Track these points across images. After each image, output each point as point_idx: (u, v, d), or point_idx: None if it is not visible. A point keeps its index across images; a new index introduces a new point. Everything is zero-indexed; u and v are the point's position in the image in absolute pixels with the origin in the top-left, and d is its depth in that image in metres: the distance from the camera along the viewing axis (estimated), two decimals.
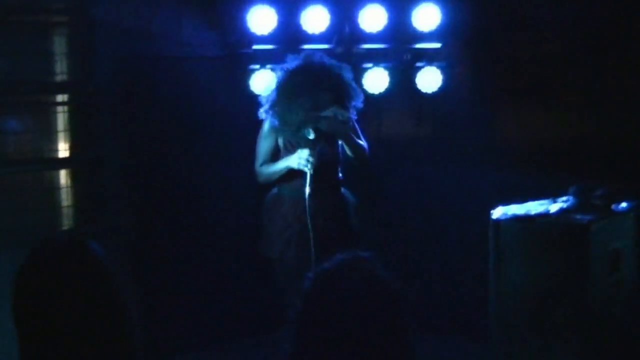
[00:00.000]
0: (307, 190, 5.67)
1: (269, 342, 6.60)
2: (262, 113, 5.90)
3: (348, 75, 5.86)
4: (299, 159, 5.69)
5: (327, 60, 5.89)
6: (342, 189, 6.02)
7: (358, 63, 6.88)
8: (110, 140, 6.53)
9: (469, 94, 7.22)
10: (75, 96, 6.49)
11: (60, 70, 6.39)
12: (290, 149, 5.85)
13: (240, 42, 6.79)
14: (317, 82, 5.74)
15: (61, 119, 6.46)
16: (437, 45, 6.95)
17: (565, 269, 5.41)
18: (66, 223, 6.55)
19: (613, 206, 5.77)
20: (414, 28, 6.90)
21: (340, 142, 5.89)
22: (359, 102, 5.89)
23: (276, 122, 5.82)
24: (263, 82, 6.76)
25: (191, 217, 6.89)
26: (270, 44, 6.80)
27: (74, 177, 6.49)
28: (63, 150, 6.48)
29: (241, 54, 6.80)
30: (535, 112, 7.13)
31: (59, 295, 2.36)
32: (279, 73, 5.91)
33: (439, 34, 6.94)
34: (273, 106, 5.81)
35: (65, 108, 6.48)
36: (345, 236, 5.86)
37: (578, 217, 5.55)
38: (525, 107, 7.21)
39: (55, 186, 6.50)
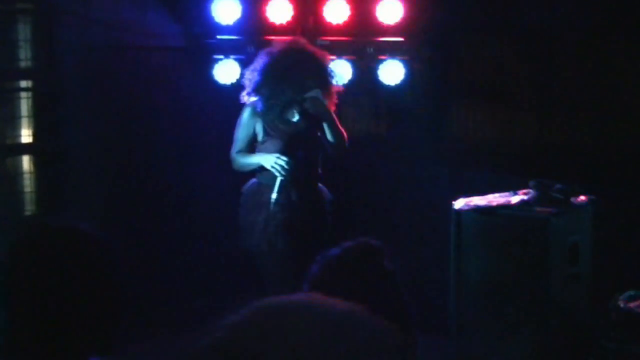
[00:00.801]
0: (274, 196, 5.68)
1: None
2: (244, 96, 5.90)
3: (329, 63, 5.94)
4: (274, 164, 5.68)
5: (312, 46, 5.98)
6: (319, 184, 6.02)
7: None
8: (75, 129, 6.53)
9: (428, 89, 7.30)
10: (39, 83, 6.48)
11: (25, 56, 6.39)
12: (270, 136, 5.82)
13: (205, 32, 6.82)
14: (304, 66, 5.77)
15: (24, 105, 6.45)
16: (400, 39, 7.01)
17: (524, 261, 5.48)
18: (28, 209, 6.55)
19: (572, 200, 5.86)
20: (378, 21, 6.95)
21: (319, 131, 5.84)
22: (338, 90, 5.96)
23: (260, 105, 5.81)
24: (227, 72, 6.82)
25: (156, 207, 6.90)
26: (235, 34, 6.84)
27: (36, 164, 6.49)
28: (26, 136, 6.48)
29: (205, 44, 6.84)
30: (493, 111, 7.23)
31: (54, 275, 2.37)
32: (264, 56, 5.87)
33: (401, 28, 6.99)
34: (258, 88, 5.79)
35: (29, 94, 6.47)
36: (321, 231, 5.88)
37: (538, 209, 5.63)
38: (481, 106, 7.30)
39: (18, 172, 6.50)
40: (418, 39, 7.10)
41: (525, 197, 5.83)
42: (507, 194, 5.93)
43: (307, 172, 5.86)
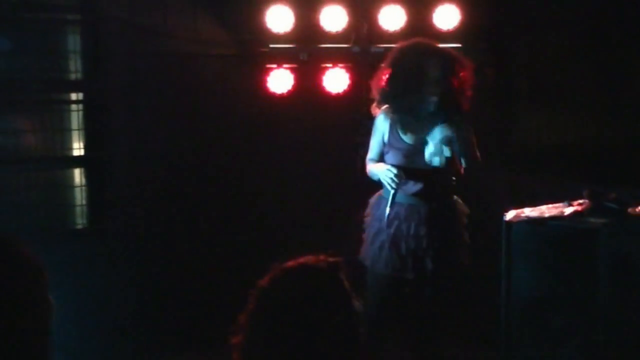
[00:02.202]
0: (387, 210, 5.39)
1: None
2: (374, 108, 5.64)
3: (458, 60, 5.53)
4: (386, 176, 5.36)
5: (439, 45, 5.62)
6: (454, 197, 5.63)
7: (376, 63, 6.79)
8: (123, 139, 6.51)
9: (490, 95, 7.11)
10: (88, 94, 6.47)
11: (74, 68, 6.40)
12: (391, 146, 5.48)
13: (257, 40, 6.76)
14: (432, 62, 5.39)
15: (75, 117, 6.46)
16: (457, 45, 6.83)
17: (573, 273, 5.29)
18: (79, 222, 6.57)
19: (628, 209, 5.63)
20: (435, 27, 6.80)
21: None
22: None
23: (390, 104, 5.49)
24: (280, 81, 6.74)
25: (202, 217, 6.84)
26: (288, 42, 6.76)
27: (86, 176, 6.49)
28: (77, 148, 6.49)
29: (258, 52, 6.77)
30: (557, 115, 7.04)
31: None
32: (389, 58, 5.54)
33: (459, 34, 6.83)
34: (387, 89, 5.46)
35: (79, 106, 6.47)
36: (445, 253, 5.50)
37: (590, 220, 5.43)
38: (545, 110, 7.11)
39: (68, 184, 6.52)
40: (479, 42, 6.95)
41: (579, 208, 5.62)
42: (560, 204, 5.73)
43: (430, 185, 5.45)
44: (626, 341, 5.41)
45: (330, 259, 2.62)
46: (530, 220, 5.57)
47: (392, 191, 5.36)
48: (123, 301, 6.49)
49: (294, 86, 6.77)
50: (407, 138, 5.47)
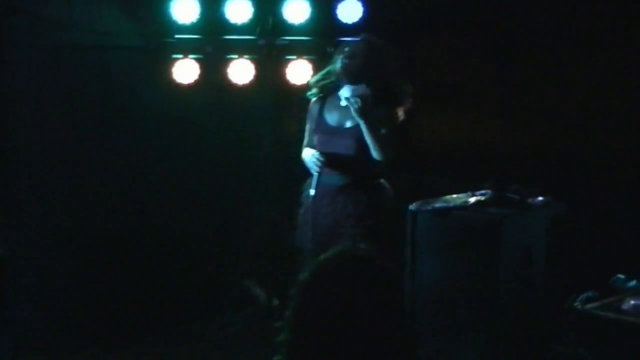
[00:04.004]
0: (312, 192, 5.58)
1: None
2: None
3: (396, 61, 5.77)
4: (310, 160, 5.59)
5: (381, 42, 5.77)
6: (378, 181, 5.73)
7: (281, 55, 6.88)
8: (26, 131, 6.43)
9: None
10: None
11: None
12: (315, 130, 5.72)
13: (163, 31, 6.75)
14: (361, 55, 5.63)
15: None
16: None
17: (476, 263, 5.42)
18: None
19: (528, 201, 5.81)
20: (338, 20, 6.88)
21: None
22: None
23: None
24: (186, 71, 6.76)
25: (108, 211, 6.81)
26: (193, 33, 6.77)
27: None
28: None
29: (163, 43, 6.76)
30: (457, 114, 7.19)
31: None
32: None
33: (362, 29, 6.91)
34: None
35: None
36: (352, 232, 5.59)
37: (493, 211, 5.58)
38: (445, 109, 7.27)
39: None
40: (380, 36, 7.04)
41: (482, 198, 5.78)
42: (464, 194, 5.88)
43: (344, 168, 5.62)
44: (527, 331, 5.59)
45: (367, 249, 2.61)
46: (435, 211, 5.69)
47: (316, 174, 5.55)
48: (29, 301, 6.43)
49: (199, 77, 6.79)
50: (330, 119, 5.69)
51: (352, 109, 5.51)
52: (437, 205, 5.73)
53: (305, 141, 5.83)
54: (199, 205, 7.15)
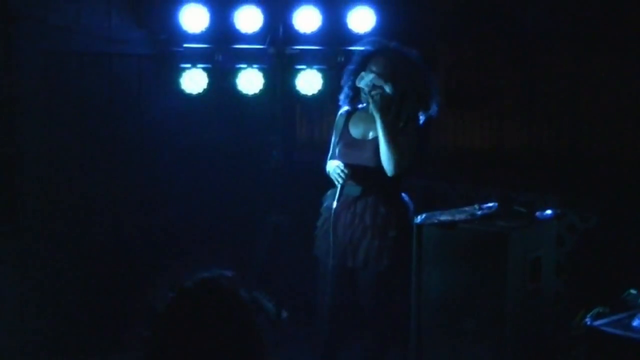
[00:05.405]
0: (334, 204, 5.62)
1: None
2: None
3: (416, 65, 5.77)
4: (334, 172, 5.61)
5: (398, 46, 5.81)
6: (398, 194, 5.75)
7: (291, 64, 6.81)
8: (32, 138, 6.40)
9: None
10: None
11: None
12: (340, 141, 5.77)
13: (171, 40, 6.70)
14: (378, 60, 5.70)
15: None
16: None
17: (483, 276, 5.33)
18: None
19: (537, 213, 5.72)
20: (349, 30, 6.80)
21: None
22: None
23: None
24: (194, 81, 6.70)
25: (116, 217, 6.78)
26: (202, 42, 6.71)
27: None
28: None
29: (172, 52, 6.72)
30: (475, 120, 7.11)
31: None
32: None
33: (374, 36, 6.84)
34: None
35: None
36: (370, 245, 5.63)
37: (500, 224, 5.49)
38: (462, 114, 7.18)
39: None
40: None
41: (489, 211, 5.68)
42: (470, 207, 5.79)
43: (364, 180, 5.64)
44: (535, 345, 5.49)
45: (228, 274, 2.62)
46: (441, 224, 5.61)
47: (339, 186, 5.59)
48: (36, 303, 6.40)
49: (208, 86, 6.74)
50: (354, 132, 5.75)
51: (370, 103, 5.54)
52: (443, 218, 5.64)
53: (330, 153, 5.87)
54: (208, 215, 7.11)
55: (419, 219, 5.65)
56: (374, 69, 5.63)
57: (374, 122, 5.58)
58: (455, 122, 7.24)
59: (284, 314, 7.02)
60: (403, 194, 5.77)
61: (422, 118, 5.73)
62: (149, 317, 2.51)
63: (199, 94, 6.70)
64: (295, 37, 6.81)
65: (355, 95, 5.80)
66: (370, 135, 5.68)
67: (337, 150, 5.77)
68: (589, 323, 5.34)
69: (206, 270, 2.62)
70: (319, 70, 6.82)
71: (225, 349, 2.44)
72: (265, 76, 6.84)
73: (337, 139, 5.83)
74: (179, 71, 6.67)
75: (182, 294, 2.52)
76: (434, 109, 5.72)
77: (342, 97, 5.89)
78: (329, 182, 5.73)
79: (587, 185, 6.46)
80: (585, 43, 6.55)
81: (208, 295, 2.52)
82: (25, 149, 6.37)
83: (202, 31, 6.64)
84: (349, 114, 5.86)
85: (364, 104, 5.73)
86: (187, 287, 2.53)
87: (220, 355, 2.43)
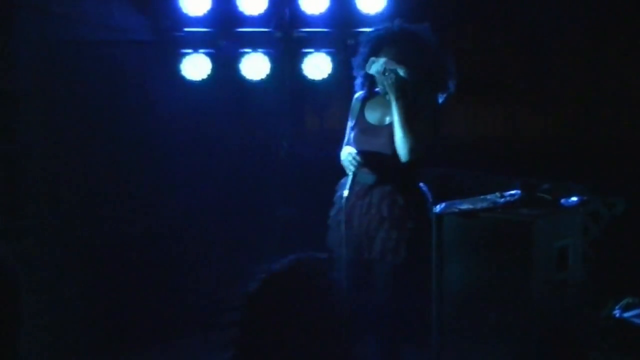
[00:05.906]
0: (345, 193, 5.40)
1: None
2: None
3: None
4: (346, 159, 5.40)
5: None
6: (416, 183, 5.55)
7: (298, 48, 6.61)
8: (34, 128, 6.24)
9: None
10: None
11: None
12: (353, 127, 5.57)
13: (172, 25, 6.52)
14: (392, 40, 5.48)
15: None
16: None
17: (507, 266, 5.12)
18: None
19: (562, 200, 5.49)
20: (359, 11, 6.57)
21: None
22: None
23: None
24: (196, 66, 6.53)
25: (121, 210, 6.62)
26: (204, 26, 6.52)
27: None
28: None
29: (173, 37, 6.53)
30: (488, 107, 6.95)
31: None
32: None
33: (384, 18, 6.62)
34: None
35: None
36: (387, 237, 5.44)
37: (524, 212, 5.27)
38: (476, 102, 7.05)
39: None
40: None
41: (511, 199, 5.46)
42: (492, 196, 5.56)
43: (379, 168, 5.43)
44: (561, 337, 5.30)
45: (321, 257, 2.62)
46: (462, 213, 5.39)
47: (351, 174, 5.38)
48: (39, 304, 6.23)
49: (211, 72, 6.56)
50: (370, 117, 5.55)
51: (385, 84, 5.33)
52: (464, 207, 5.42)
53: (346, 139, 5.65)
54: (215, 207, 7.01)
55: (438, 208, 5.43)
56: (384, 55, 5.39)
57: (391, 107, 5.35)
58: (466, 109, 7.07)
59: None
60: (421, 184, 5.57)
61: (441, 98, 5.54)
62: (238, 300, 2.52)
63: (202, 81, 6.51)
64: (303, 19, 6.61)
65: (372, 82, 5.57)
66: (387, 120, 5.47)
67: (351, 136, 5.57)
68: (618, 315, 5.17)
69: (298, 253, 2.63)
70: (328, 53, 6.61)
71: (314, 331, 2.49)
72: (272, 61, 6.64)
73: (352, 124, 5.62)
74: (180, 57, 6.49)
75: (273, 276, 2.52)
76: (451, 87, 5.52)
77: (357, 83, 5.66)
78: (341, 173, 5.53)
79: (609, 171, 6.32)
80: (599, 28, 6.39)
81: (298, 277, 2.53)
82: (29, 139, 6.20)
83: (203, 14, 6.48)
84: (365, 99, 5.63)
85: (381, 88, 5.49)
86: (278, 269, 2.54)
87: (309, 337, 2.48)
